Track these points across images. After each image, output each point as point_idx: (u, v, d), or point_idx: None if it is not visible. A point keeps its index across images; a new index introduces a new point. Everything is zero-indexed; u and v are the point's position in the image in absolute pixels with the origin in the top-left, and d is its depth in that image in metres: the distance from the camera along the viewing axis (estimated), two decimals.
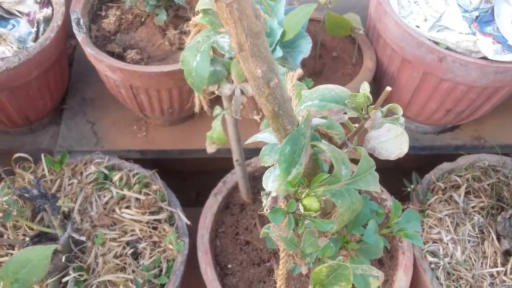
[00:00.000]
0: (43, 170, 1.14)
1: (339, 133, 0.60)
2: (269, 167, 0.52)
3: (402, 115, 1.37)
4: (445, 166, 1.24)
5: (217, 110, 0.86)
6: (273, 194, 0.46)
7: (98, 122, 1.37)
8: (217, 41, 0.67)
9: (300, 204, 0.47)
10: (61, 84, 1.27)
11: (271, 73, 0.39)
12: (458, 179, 1.21)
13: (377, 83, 1.30)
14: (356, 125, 0.52)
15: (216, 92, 0.80)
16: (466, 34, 1.09)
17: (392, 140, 0.56)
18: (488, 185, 1.21)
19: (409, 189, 1.12)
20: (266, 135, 0.54)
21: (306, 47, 1.08)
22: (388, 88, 0.48)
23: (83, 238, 0.97)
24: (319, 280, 0.49)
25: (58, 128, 1.36)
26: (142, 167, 1.21)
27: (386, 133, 0.56)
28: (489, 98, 1.15)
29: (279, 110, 0.42)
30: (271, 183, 0.49)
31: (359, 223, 0.68)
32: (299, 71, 0.68)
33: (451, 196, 1.19)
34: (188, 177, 1.79)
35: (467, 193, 1.20)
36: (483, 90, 1.11)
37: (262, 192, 0.50)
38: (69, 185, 1.13)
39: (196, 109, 0.86)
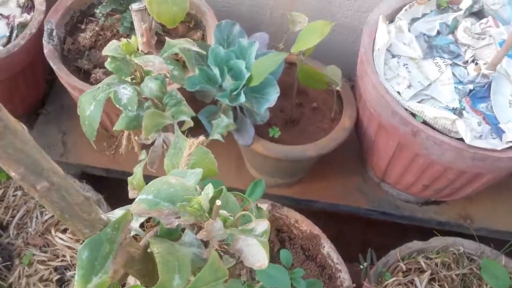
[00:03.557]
0: None
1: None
2: None
3: (382, 179, 1.26)
4: (415, 245, 1.13)
5: (143, 155, 0.80)
6: None
7: (69, 132, 1.34)
8: (117, 92, 0.61)
9: None
10: (34, 90, 1.25)
11: (36, 176, 0.32)
12: (424, 262, 1.10)
13: (359, 142, 1.21)
14: None
15: (135, 138, 0.74)
16: (451, 108, 0.99)
17: (259, 245, 0.49)
18: (457, 275, 1.09)
19: (361, 267, 1.03)
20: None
21: (273, 96, 1.01)
22: (218, 202, 0.40)
23: None
24: None
25: (30, 132, 1.33)
26: (110, 185, 1.17)
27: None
28: (470, 182, 1.04)
29: (64, 215, 0.36)
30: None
31: None
32: (202, 138, 0.61)
33: (413, 280, 1.08)
34: None
35: (431, 279, 1.09)
36: (462, 173, 1.00)
37: None
38: (13, 196, 1.10)
39: (122, 150, 0.80)
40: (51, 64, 1.05)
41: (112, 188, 1.18)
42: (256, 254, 0.49)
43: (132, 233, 0.49)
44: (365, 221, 1.35)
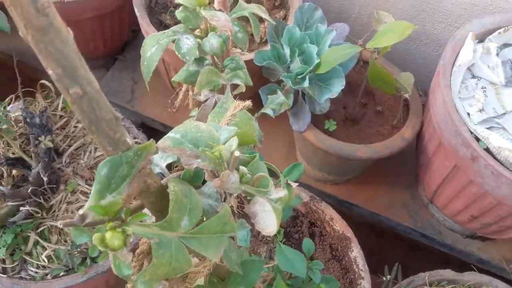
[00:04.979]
0: (59, 104, 1.18)
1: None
2: None
3: (431, 201, 1.21)
4: (448, 273, 1.08)
5: (194, 112, 0.81)
6: (80, 211, 0.42)
7: (140, 82, 1.39)
8: (180, 40, 0.63)
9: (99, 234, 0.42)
10: (117, 36, 1.31)
11: (70, 80, 0.34)
12: None
13: (416, 157, 1.17)
14: None
15: (190, 93, 0.76)
16: None
17: (272, 212, 0.49)
18: None
19: (384, 278, 1.00)
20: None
21: (336, 88, 1.00)
22: (237, 153, 0.40)
23: (45, 179, 0.99)
24: None
25: (105, 74, 1.40)
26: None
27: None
28: None
29: (91, 126, 0.37)
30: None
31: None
32: (248, 102, 0.61)
33: None
34: None
35: None
36: None
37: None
38: (74, 126, 1.16)
39: (177, 104, 0.82)
40: (136, 11, 1.09)
41: None
42: (268, 220, 0.49)
43: (157, 171, 0.51)
44: (409, 243, 1.30)
